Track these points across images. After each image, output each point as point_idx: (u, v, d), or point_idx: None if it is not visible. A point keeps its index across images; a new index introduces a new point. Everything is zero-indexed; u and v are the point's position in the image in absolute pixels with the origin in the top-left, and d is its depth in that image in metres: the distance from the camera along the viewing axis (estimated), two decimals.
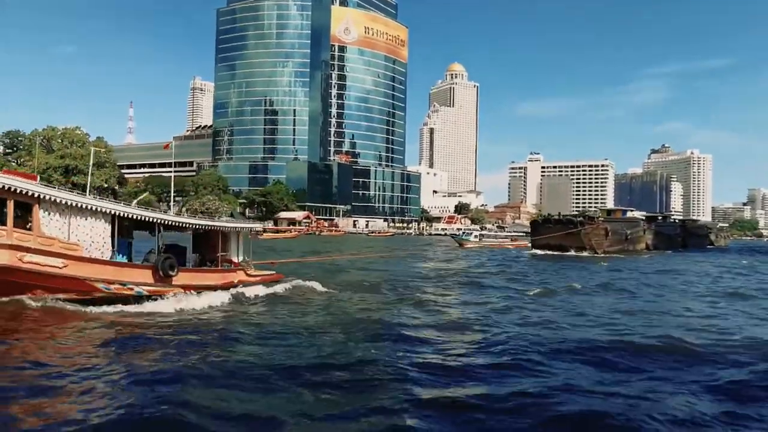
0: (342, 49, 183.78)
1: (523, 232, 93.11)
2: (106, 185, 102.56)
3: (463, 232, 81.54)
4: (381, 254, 48.74)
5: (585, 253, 52.27)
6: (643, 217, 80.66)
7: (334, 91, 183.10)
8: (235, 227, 20.62)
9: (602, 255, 51.68)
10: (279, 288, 20.55)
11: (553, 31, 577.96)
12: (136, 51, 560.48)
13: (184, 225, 18.39)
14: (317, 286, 21.42)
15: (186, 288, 17.21)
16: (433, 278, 28.47)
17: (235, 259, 20.38)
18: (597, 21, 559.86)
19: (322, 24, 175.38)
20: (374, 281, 24.97)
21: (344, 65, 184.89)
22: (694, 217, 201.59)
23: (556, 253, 52.66)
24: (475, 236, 74.14)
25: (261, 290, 19.58)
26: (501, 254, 54.64)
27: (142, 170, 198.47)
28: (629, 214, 74.55)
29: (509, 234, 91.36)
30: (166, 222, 17.22)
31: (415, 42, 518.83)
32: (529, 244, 61.10)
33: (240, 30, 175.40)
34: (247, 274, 20.30)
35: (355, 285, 23.23)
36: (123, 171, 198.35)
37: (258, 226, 23.98)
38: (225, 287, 18.68)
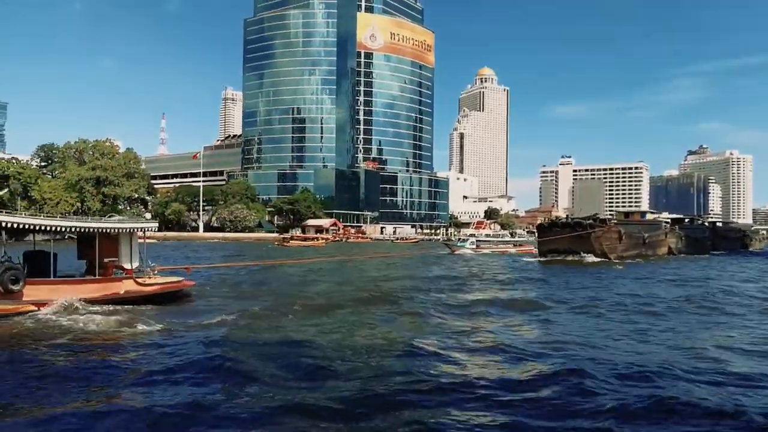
0: (368, 55, 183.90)
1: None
2: (136, 195, 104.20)
3: (459, 238, 76.68)
4: (335, 258, 45.57)
5: (594, 258, 48.24)
6: (669, 220, 77.20)
7: (360, 98, 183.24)
8: (123, 228, 17.84)
9: (616, 260, 48.19)
10: (174, 304, 17.47)
11: (583, 33, 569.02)
12: (171, 63, 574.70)
13: (44, 228, 15.56)
14: (219, 297, 18.75)
15: (41, 304, 14.61)
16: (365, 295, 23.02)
17: (127, 266, 17.73)
18: (627, 21, 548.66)
19: (348, 31, 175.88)
20: (295, 294, 21.87)
21: (371, 72, 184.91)
22: (728, 219, 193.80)
23: (566, 258, 49.14)
24: (472, 242, 68.48)
25: (148, 305, 16.79)
26: (497, 261, 50.83)
27: (174, 180, 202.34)
28: (650, 216, 69.60)
29: (513, 239, 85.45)
30: (12, 225, 14.63)
31: (445, 47, 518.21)
32: (535, 250, 57.17)
33: (267, 39, 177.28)
34: (139, 283, 17.50)
35: (270, 299, 20.07)
36: (155, 181, 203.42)
37: (152, 224, 20.54)
38: (105, 300, 16.16)
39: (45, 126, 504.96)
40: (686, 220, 77.42)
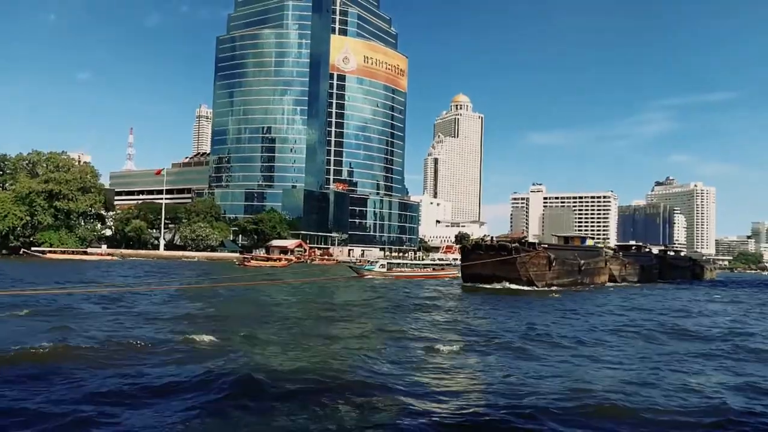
0: (341, 78, 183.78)
1: None
2: (92, 210, 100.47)
3: (369, 261, 68.40)
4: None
5: (516, 286, 43.15)
6: (615, 247, 76.74)
7: (333, 120, 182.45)
8: None
9: (544, 288, 43.92)
10: None
11: (559, 63, 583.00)
12: (147, 78, 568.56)
13: None
14: None
15: None
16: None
17: None
18: (604, 53, 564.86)
19: (321, 53, 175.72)
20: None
21: (343, 94, 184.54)
22: (693, 249, 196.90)
23: (487, 286, 43.82)
24: (382, 265, 60.79)
25: None
26: (405, 288, 43.95)
27: (140, 197, 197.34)
28: (590, 242, 65.73)
29: (434, 263, 78.28)
30: None
31: (421, 73, 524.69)
32: (459, 275, 51.51)
33: (239, 58, 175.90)
34: None
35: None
36: (121, 197, 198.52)
37: None
38: None
39: (8, 138, 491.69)
40: (633, 248, 76.82)
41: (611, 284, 56.84)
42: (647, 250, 78.51)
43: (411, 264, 67.84)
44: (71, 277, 44.38)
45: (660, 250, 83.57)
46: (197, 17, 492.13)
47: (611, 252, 63.18)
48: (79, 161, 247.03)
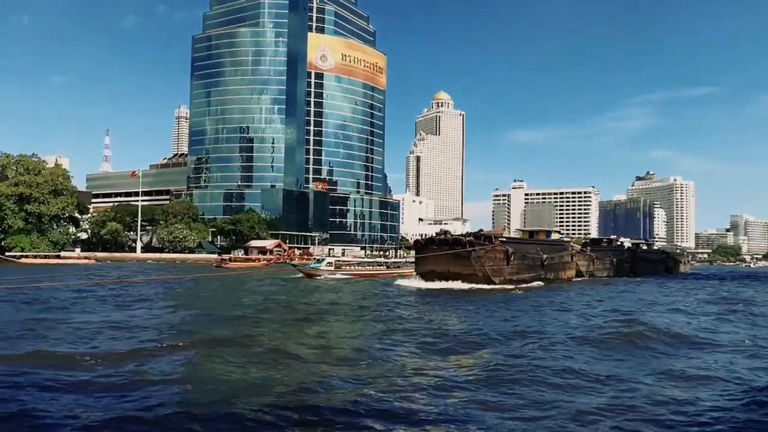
0: (319, 76, 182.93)
1: None
2: (65, 213, 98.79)
3: (316, 259, 63.25)
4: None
5: (478, 284, 39.32)
6: (587, 241, 76.65)
7: (311, 119, 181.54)
8: None
9: (501, 284, 40.34)
10: None
11: (539, 60, 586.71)
12: (124, 80, 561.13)
13: None
14: None
15: None
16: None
17: None
18: (584, 48, 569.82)
19: (299, 51, 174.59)
20: None
21: (322, 92, 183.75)
22: (651, 241, 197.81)
23: (440, 284, 39.91)
24: (330, 263, 55.82)
25: None
26: (355, 287, 41.75)
27: (117, 199, 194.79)
28: (552, 236, 60.37)
29: (388, 260, 71.17)
30: None
31: (402, 71, 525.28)
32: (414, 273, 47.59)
33: (216, 57, 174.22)
34: None
35: None
36: (98, 200, 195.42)
37: None
38: None
39: None
40: (604, 242, 75.81)
41: (578, 279, 55.24)
42: (619, 243, 78.19)
43: (367, 262, 62.19)
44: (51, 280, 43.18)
45: (633, 244, 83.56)
46: (175, 18, 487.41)
47: (578, 246, 62.10)
48: (57, 164, 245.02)
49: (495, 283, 40.55)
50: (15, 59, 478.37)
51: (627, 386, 11.34)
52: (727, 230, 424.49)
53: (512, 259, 42.63)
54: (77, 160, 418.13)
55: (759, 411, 9.62)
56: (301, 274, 54.09)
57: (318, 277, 51.71)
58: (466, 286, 39.02)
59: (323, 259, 57.91)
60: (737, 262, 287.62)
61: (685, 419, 9.15)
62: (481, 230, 52.83)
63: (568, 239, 72.83)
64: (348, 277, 53.86)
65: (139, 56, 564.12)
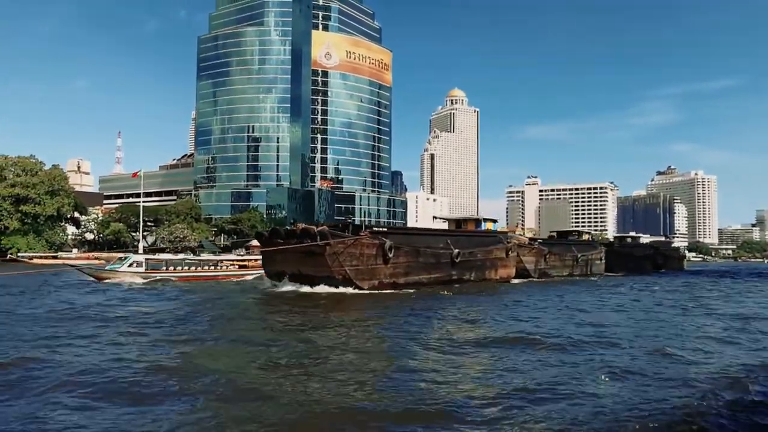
0: (324, 74, 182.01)
1: None
2: (58, 214, 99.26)
3: (119, 258, 45.64)
4: None
5: (338, 288, 30.90)
6: (554, 234, 68.50)
7: (317, 117, 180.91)
8: None
9: (370, 290, 31.60)
10: None
11: (555, 55, 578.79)
12: (143, 82, 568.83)
13: None
14: None
15: None
16: None
17: None
18: (601, 42, 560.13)
19: (304, 49, 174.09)
20: None
21: (327, 90, 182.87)
22: (671, 237, 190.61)
23: (296, 288, 31.30)
24: (138, 263, 41.17)
25: None
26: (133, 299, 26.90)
27: (128, 200, 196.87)
28: (489, 226, 47.09)
29: (241, 258, 51.67)
30: None
31: (415, 69, 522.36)
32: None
33: (221, 57, 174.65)
34: None
35: None
36: (110, 201, 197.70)
37: None
38: None
39: (9, 146, 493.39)
40: (574, 234, 69.06)
41: (518, 281, 45.16)
42: (586, 237, 68.41)
43: (205, 261, 45.23)
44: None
45: (615, 238, 78.31)
46: (193, 21, 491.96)
47: (526, 240, 50.60)
48: (79, 167, 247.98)
49: (363, 288, 31.40)
50: (41, 62, 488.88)
51: None
52: (753, 225, 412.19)
53: (392, 256, 32.70)
54: (98, 162, 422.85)
55: None
56: (92, 278, 40.14)
57: (107, 280, 39.09)
58: (322, 290, 30.71)
59: (127, 258, 42.50)
60: (763, 259, 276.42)
61: None
62: (350, 218, 42.30)
63: (505, 230, 65.99)
64: (182, 279, 41.23)
65: (157, 59, 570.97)
